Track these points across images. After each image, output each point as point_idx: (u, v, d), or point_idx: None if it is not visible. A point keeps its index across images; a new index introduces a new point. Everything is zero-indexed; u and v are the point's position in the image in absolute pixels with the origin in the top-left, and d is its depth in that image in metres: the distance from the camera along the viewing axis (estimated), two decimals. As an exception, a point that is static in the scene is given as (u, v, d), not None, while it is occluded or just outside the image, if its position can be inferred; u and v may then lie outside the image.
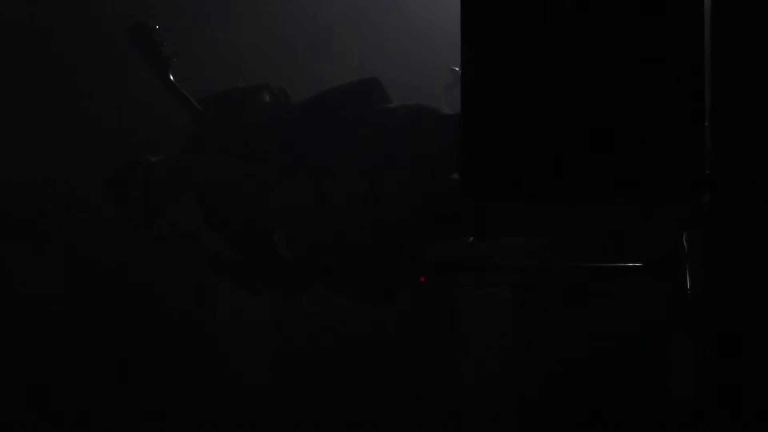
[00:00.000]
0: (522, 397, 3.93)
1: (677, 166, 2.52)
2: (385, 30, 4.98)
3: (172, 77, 3.64)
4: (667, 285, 3.20)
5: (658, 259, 3.25)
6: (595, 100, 2.52)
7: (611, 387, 3.72)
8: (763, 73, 2.48)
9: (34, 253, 4.83)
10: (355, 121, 3.62)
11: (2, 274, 4.82)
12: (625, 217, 3.35)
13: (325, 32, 5.02)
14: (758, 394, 2.49)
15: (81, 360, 4.78)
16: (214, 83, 3.83)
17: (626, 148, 2.52)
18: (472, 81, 2.56)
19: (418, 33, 4.93)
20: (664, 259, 3.22)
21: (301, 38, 4.96)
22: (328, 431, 4.60)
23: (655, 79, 2.51)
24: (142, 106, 4.71)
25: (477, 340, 3.94)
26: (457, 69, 2.63)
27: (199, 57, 4.71)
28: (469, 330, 3.99)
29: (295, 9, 5.00)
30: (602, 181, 2.54)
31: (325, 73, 4.69)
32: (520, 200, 2.96)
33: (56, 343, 4.78)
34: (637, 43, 2.51)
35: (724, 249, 2.53)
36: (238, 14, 4.96)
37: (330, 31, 5.02)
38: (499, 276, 3.65)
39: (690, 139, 2.51)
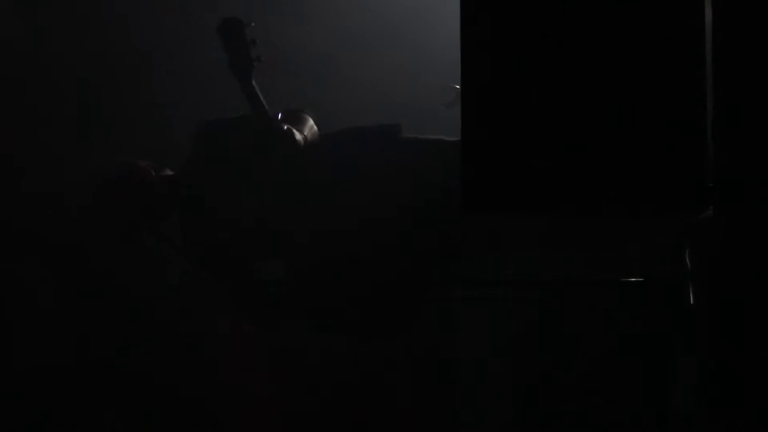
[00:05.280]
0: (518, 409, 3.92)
1: (680, 179, 2.52)
2: (386, 51, 4.98)
3: (254, 82, 3.37)
4: (669, 300, 3.20)
5: (661, 273, 3.25)
6: (597, 114, 2.53)
7: (611, 402, 3.71)
8: (765, 83, 2.49)
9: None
10: (363, 159, 3.57)
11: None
12: (627, 231, 3.35)
13: (325, 55, 5.02)
14: (760, 408, 2.48)
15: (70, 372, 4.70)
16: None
17: (629, 161, 2.53)
18: (473, 98, 2.58)
19: (419, 53, 4.93)
20: (667, 274, 3.21)
21: (300, 62, 4.95)
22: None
23: (657, 92, 2.52)
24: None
25: (475, 353, 3.92)
26: (457, 87, 2.63)
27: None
28: (465, 345, 3.97)
29: (300, 33, 4.97)
30: (604, 195, 2.54)
31: (327, 95, 4.71)
32: (522, 214, 2.96)
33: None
34: (638, 55, 2.52)
35: (726, 263, 2.53)
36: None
37: (329, 55, 5.02)
38: (498, 291, 3.63)
39: (692, 151, 2.51)
